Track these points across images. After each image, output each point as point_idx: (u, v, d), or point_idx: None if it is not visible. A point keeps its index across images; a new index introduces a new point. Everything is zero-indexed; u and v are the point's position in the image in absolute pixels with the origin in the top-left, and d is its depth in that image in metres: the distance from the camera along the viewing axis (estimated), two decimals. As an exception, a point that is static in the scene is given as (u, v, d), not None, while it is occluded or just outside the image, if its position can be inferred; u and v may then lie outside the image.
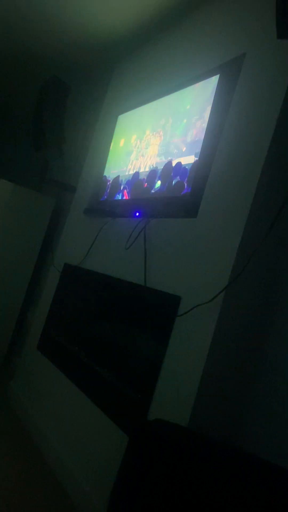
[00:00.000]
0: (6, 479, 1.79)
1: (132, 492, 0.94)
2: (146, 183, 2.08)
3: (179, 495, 0.87)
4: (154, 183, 2.01)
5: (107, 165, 2.53)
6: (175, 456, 0.92)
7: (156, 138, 2.12)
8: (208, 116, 1.76)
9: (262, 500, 0.84)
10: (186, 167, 1.81)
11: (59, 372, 2.21)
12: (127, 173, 2.30)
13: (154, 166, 2.06)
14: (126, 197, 2.23)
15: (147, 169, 2.12)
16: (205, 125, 1.77)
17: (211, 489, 0.85)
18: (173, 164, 1.91)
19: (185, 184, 1.79)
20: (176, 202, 1.81)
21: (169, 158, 1.96)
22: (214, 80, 1.80)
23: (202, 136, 1.76)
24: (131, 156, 2.32)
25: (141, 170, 2.16)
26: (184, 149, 1.89)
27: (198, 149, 1.77)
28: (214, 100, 1.76)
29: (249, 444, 1.38)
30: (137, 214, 2.00)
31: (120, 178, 2.34)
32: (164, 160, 1.98)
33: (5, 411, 2.47)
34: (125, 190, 2.25)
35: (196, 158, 1.76)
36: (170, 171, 1.92)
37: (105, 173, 2.51)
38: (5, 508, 1.61)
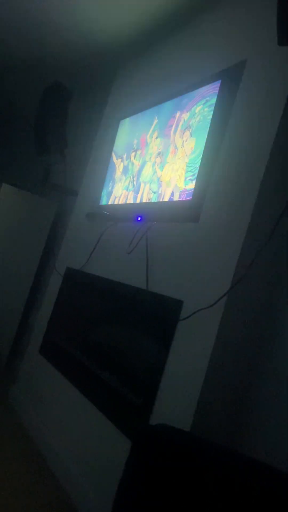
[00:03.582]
0: (8, 482, 1.79)
1: (135, 496, 0.94)
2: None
3: (181, 499, 0.87)
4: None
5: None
6: (177, 460, 0.92)
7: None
8: (210, 120, 1.77)
9: (264, 504, 0.84)
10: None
11: (61, 376, 2.21)
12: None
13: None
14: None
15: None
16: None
17: (214, 493, 0.85)
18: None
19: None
20: (178, 207, 1.82)
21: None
22: (215, 86, 1.81)
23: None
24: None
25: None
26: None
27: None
28: (215, 106, 1.77)
29: (252, 448, 1.38)
30: (139, 218, 2.01)
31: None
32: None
33: (8, 415, 2.47)
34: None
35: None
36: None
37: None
38: (6, 511, 1.61)
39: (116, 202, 2.32)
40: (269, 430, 1.36)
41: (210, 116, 1.77)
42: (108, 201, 2.41)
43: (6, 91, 3.83)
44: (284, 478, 0.94)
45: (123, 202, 2.24)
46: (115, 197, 2.34)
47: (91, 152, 2.91)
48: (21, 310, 3.39)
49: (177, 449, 0.95)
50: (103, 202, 2.46)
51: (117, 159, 2.45)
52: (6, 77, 3.52)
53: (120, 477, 1.02)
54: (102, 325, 2.22)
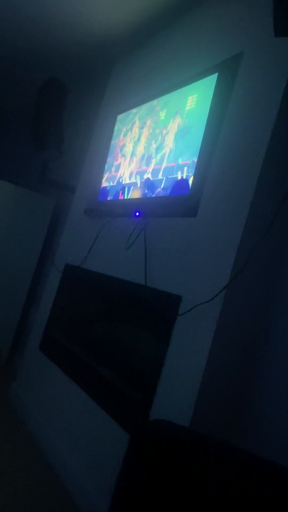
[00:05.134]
0: (8, 478, 1.80)
1: (133, 491, 0.94)
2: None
3: (179, 494, 0.87)
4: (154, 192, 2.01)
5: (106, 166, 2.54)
6: (175, 456, 0.92)
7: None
8: (207, 114, 1.76)
9: (263, 499, 0.84)
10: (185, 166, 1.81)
11: (61, 372, 2.21)
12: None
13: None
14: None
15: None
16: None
17: (212, 488, 0.85)
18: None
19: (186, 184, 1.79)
20: (176, 202, 1.81)
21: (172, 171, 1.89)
22: (213, 79, 1.79)
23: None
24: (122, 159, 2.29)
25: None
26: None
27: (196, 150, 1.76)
28: (213, 98, 1.76)
29: (250, 443, 1.38)
30: (137, 214, 2.00)
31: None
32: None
33: (8, 411, 2.48)
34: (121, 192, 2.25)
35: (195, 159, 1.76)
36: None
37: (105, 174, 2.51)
38: (7, 508, 1.62)
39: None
40: (268, 424, 1.36)
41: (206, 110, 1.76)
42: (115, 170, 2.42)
43: (2, 88, 3.80)
44: (284, 473, 0.94)
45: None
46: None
47: (89, 147, 2.90)
48: (21, 307, 3.39)
49: (176, 444, 0.95)
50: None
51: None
52: (1, 73, 3.49)
53: (119, 472, 1.02)
54: (101, 321, 2.22)
